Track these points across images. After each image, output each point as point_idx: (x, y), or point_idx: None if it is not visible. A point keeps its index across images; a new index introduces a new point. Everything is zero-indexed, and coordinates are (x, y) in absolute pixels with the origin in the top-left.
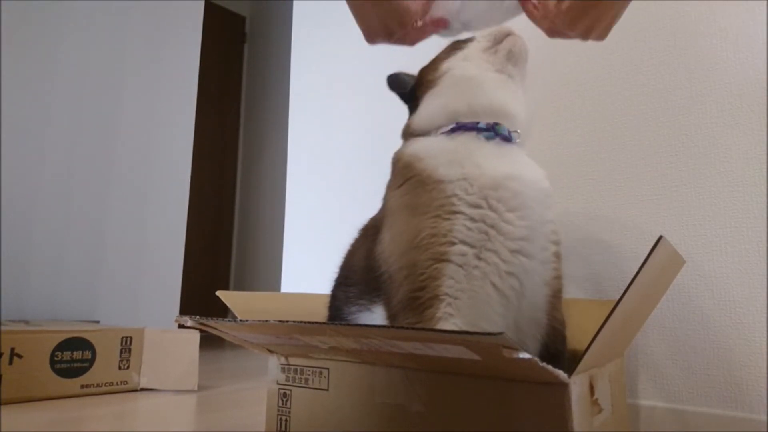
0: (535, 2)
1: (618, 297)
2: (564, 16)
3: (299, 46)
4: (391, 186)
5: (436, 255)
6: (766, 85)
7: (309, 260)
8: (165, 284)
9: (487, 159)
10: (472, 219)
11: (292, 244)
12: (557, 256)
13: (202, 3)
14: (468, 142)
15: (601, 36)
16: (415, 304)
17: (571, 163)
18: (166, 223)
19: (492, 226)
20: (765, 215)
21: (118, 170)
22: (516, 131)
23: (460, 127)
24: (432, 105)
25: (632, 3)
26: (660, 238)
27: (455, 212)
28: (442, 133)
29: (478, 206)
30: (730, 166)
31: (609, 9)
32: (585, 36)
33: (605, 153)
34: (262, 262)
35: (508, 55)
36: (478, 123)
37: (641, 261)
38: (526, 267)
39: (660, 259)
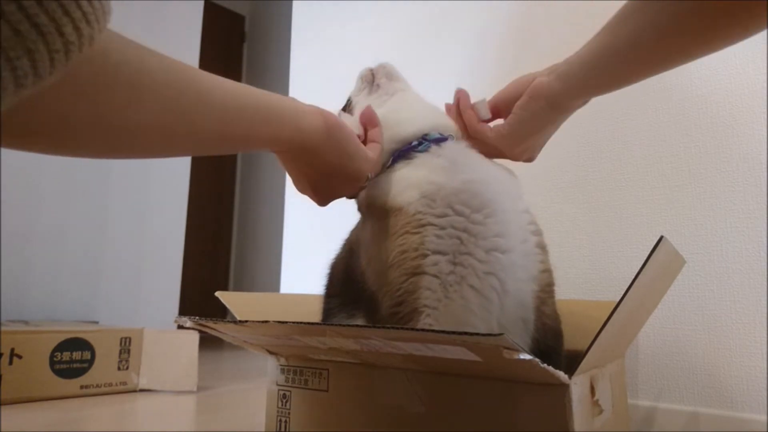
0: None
1: (618, 297)
2: (504, 141)
3: (299, 46)
4: (360, 226)
5: (410, 269)
6: (766, 85)
7: (308, 261)
8: (164, 285)
9: (440, 174)
10: (441, 227)
11: (291, 244)
12: (540, 247)
13: (202, 2)
14: (414, 166)
15: (531, 159)
16: (395, 319)
17: (571, 163)
18: (165, 224)
19: (463, 230)
20: (765, 215)
21: (117, 170)
22: (450, 135)
23: (398, 157)
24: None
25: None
26: (661, 238)
27: (423, 225)
28: (387, 168)
29: (444, 215)
30: (730, 166)
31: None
32: (518, 159)
33: (605, 153)
34: (262, 262)
35: (388, 76)
36: (411, 144)
37: (641, 261)
38: (503, 263)
39: (661, 260)
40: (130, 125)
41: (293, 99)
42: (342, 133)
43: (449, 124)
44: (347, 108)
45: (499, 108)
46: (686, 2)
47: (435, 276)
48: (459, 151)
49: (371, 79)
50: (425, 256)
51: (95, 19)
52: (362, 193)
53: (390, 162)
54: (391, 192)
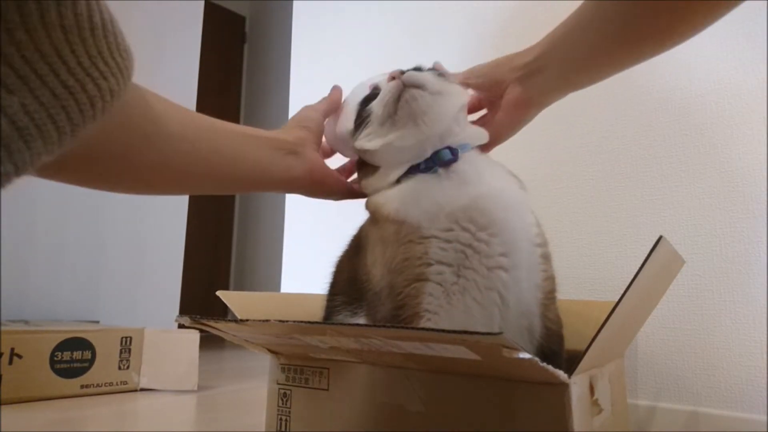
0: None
1: (618, 297)
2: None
3: (299, 46)
4: (368, 224)
5: (413, 276)
6: (766, 85)
7: (309, 260)
8: (165, 284)
9: (445, 193)
10: (447, 240)
11: (292, 244)
12: (545, 257)
13: (202, 3)
14: (417, 184)
15: None
16: (395, 322)
17: (571, 163)
18: (165, 223)
19: (468, 246)
20: (765, 215)
21: None
22: (466, 144)
23: (405, 175)
24: (379, 179)
25: None
26: (660, 238)
27: (426, 237)
28: (392, 184)
29: (449, 229)
30: (730, 166)
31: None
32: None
33: (605, 153)
34: (262, 262)
35: (409, 115)
36: (419, 165)
37: (641, 261)
38: (505, 280)
39: (660, 260)
40: (148, 164)
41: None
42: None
43: (463, 134)
44: (363, 119)
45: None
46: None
47: (439, 284)
48: (470, 166)
49: (393, 109)
50: (429, 264)
51: (112, 75)
52: (367, 200)
53: (397, 179)
54: (394, 204)
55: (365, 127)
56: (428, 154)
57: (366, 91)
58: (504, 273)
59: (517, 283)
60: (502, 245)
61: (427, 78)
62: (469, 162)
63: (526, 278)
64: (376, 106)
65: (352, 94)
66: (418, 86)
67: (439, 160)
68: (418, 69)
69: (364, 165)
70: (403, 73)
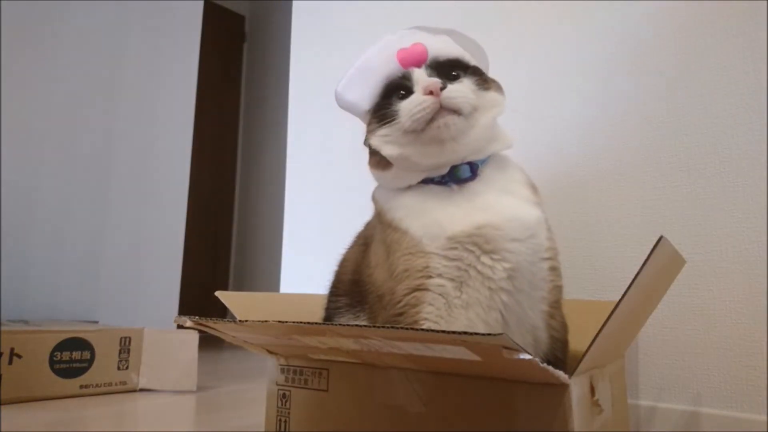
0: None
1: (618, 297)
2: None
3: (299, 46)
4: (374, 222)
5: (413, 286)
6: (766, 85)
7: (308, 260)
8: (164, 284)
9: (450, 217)
10: (448, 258)
11: (291, 244)
12: (552, 269)
13: (202, 3)
14: (425, 197)
15: None
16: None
17: (571, 162)
18: (165, 223)
19: (471, 266)
20: (765, 215)
21: (117, 170)
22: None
23: (418, 184)
24: (389, 179)
25: (633, 3)
26: (660, 238)
27: (427, 252)
28: (408, 188)
29: (452, 248)
30: (730, 166)
31: None
32: None
33: (605, 153)
34: (262, 262)
35: (437, 139)
36: (433, 178)
37: (641, 261)
38: (507, 304)
39: (660, 260)
40: None
41: None
42: None
43: (489, 147)
44: (384, 120)
45: None
46: None
47: (440, 295)
48: (485, 186)
49: (422, 125)
50: (429, 277)
51: None
52: (375, 191)
53: (408, 186)
54: (398, 213)
55: (385, 125)
56: (446, 170)
57: (392, 65)
58: (506, 296)
59: (519, 303)
60: (505, 271)
61: (465, 99)
62: (486, 181)
63: (528, 297)
64: (403, 113)
65: (377, 56)
66: (455, 111)
67: (455, 177)
68: (456, 62)
69: (376, 152)
70: (443, 88)
